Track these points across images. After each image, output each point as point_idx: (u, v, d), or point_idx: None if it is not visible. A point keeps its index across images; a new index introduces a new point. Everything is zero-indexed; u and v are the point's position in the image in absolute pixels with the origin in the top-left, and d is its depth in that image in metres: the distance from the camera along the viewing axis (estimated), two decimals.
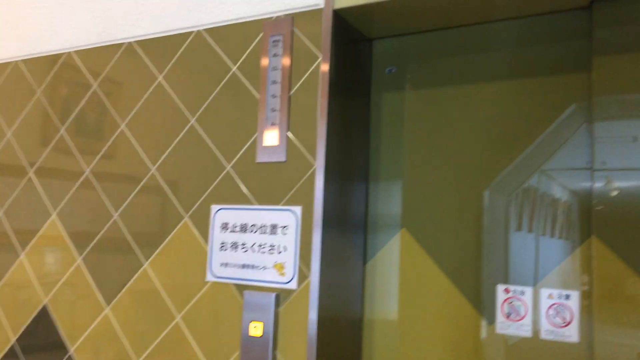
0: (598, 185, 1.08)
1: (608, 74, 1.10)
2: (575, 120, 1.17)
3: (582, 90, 1.16)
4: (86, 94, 1.60)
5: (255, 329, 1.23)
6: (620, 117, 1.08)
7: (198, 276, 1.34)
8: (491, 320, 1.19)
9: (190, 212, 1.38)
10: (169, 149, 1.43)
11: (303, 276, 1.21)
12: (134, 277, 1.43)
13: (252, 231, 1.28)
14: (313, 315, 1.16)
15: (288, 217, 1.24)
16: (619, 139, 1.07)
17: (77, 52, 1.64)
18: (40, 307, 1.58)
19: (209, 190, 1.36)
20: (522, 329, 1.16)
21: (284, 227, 1.24)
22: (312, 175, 1.23)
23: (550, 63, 1.20)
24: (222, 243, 1.32)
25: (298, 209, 1.23)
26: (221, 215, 1.33)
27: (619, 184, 1.06)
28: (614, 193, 1.06)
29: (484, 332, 1.20)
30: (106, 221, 1.51)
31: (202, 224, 1.36)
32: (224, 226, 1.32)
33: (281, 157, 1.27)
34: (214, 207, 1.34)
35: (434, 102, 1.31)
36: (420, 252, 1.28)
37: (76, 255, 1.54)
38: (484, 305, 1.20)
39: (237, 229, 1.30)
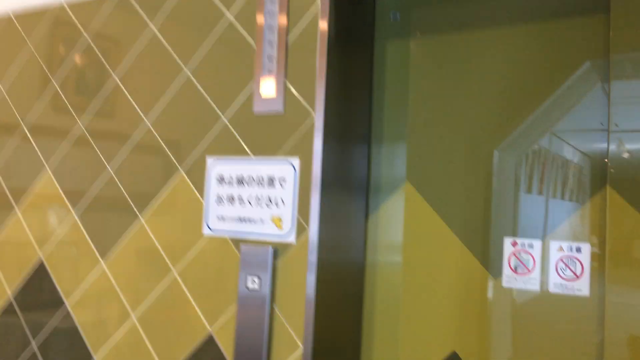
0: (612, 145, 1.02)
1: (626, 21, 1.02)
2: (592, 77, 1.09)
3: (599, 44, 1.08)
4: (81, 48, 1.55)
5: (253, 282, 1.20)
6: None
7: (195, 230, 1.31)
8: (497, 273, 1.15)
9: (187, 165, 1.34)
10: (165, 102, 1.39)
11: (302, 229, 1.17)
12: (131, 233, 1.41)
13: (249, 184, 1.24)
14: (312, 268, 1.13)
15: (286, 169, 1.20)
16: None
17: (70, 5, 1.59)
18: (37, 264, 1.57)
19: (205, 142, 1.32)
20: (530, 282, 1.12)
21: (282, 179, 1.20)
22: (311, 126, 1.18)
23: (566, 9, 1.12)
24: (219, 196, 1.28)
25: (296, 161, 1.19)
26: (217, 167, 1.28)
27: (630, 147, 1.00)
28: (625, 155, 1.00)
29: (489, 286, 1.15)
30: (102, 177, 1.47)
31: (199, 177, 1.31)
32: (221, 179, 1.28)
33: (279, 107, 1.22)
34: (210, 160, 1.30)
35: (441, 51, 1.24)
36: (424, 205, 1.23)
37: (73, 212, 1.52)
38: (490, 259, 1.16)
39: (234, 181, 1.26)
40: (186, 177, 1.34)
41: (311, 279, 1.13)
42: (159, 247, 1.36)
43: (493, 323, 1.15)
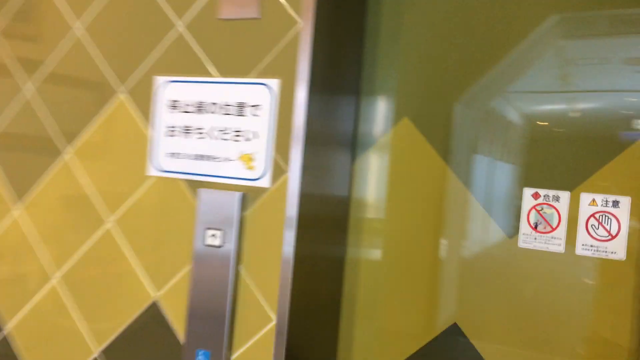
0: None
1: None
2: None
3: None
4: None
5: (213, 238, 0.99)
6: None
7: (137, 170, 1.11)
8: (513, 231, 0.98)
9: (128, 87, 1.13)
10: (101, 3, 1.16)
11: (279, 171, 0.99)
12: (53, 172, 1.20)
13: (211, 111, 1.04)
14: (291, 219, 0.92)
15: (261, 93, 1.00)
16: None
17: None
18: None
19: (153, 57, 1.11)
20: (553, 242, 0.96)
21: (255, 106, 1.01)
22: (296, 37, 0.99)
23: None
24: (171, 127, 1.08)
25: (275, 83, 1.00)
26: (170, 89, 1.08)
27: None
28: None
29: (502, 246, 0.99)
30: (16, 102, 1.23)
31: (144, 101, 1.12)
32: (174, 104, 1.08)
33: (253, 11, 1.02)
34: (161, 80, 1.09)
35: None
36: (424, 144, 1.04)
37: None
38: (504, 214, 0.99)
39: (192, 108, 1.06)
40: (127, 101, 1.12)
41: (290, 230, 0.93)
42: (91, 191, 1.15)
43: (504, 290, 0.99)
